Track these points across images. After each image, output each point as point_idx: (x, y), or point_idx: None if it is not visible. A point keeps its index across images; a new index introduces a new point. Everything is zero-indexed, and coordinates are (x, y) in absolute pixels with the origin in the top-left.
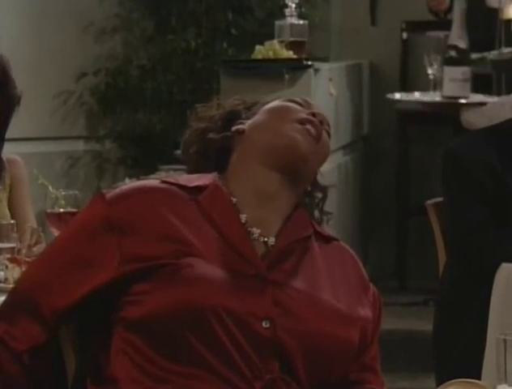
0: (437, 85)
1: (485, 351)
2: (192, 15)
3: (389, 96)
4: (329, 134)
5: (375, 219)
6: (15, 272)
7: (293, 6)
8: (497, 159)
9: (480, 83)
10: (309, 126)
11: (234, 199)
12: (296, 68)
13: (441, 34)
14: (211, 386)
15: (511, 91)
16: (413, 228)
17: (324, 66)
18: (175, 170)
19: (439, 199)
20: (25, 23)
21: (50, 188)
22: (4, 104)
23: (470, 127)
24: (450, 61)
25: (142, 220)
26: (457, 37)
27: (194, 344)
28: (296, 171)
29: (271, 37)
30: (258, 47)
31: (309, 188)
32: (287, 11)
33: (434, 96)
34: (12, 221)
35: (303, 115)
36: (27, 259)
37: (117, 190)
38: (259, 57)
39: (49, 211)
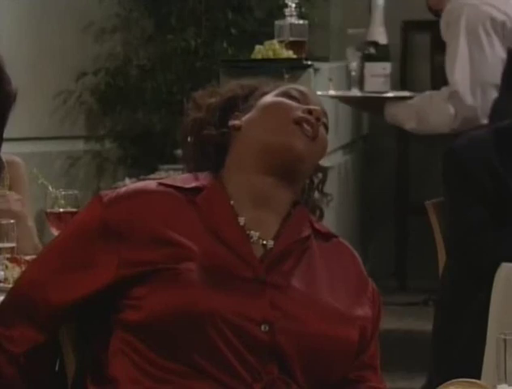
0: (357, 81)
1: (485, 351)
2: (192, 15)
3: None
4: (326, 126)
5: (375, 218)
6: (15, 272)
7: (293, 5)
8: (497, 159)
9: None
10: (305, 126)
11: (232, 202)
12: (295, 68)
13: (360, 31)
14: (210, 386)
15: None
16: (413, 227)
17: (324, 66)
18: (175, 170)
19: (439, 199)
20: (25, 23)
21: (50, 188)
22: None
23: (393, 120)
24: (369, 58)
25: (139, 224)
26: (377, 33)
27: (193, 348)
28: (293, 171)
29: (271, 37)
30: (257, 47)
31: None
32: (286, 11)
33: (356, 92)
34: (12, 221)
35: (299, 113)
36: (27, 259)
37: (115, 193)
38: (259, 56)
39: (48, 210)
